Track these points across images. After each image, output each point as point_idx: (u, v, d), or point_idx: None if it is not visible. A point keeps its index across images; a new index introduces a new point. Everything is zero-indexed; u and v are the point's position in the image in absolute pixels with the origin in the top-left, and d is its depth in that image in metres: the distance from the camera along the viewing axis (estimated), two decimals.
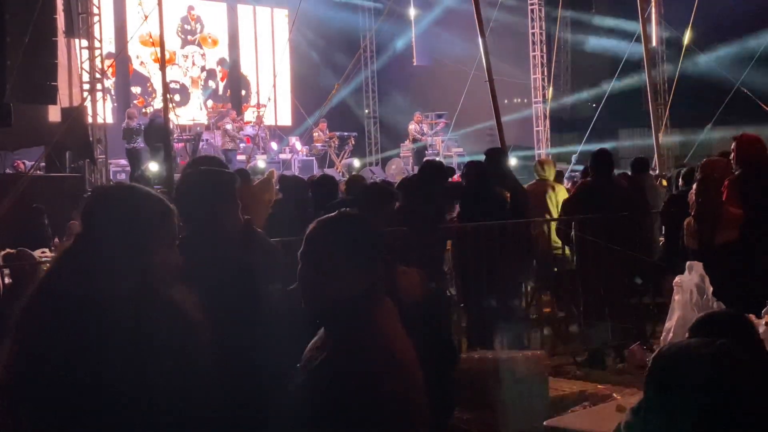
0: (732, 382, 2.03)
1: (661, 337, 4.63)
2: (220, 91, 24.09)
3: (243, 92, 24.70)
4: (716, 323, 2.61)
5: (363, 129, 25.94)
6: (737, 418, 2.01)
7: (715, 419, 2.01)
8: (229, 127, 19.95)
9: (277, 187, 8.61)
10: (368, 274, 2.49)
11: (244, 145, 20.45)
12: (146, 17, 13.90)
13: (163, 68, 13.78)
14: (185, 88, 23.15)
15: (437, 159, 15.86)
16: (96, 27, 16.39)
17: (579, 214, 7.91)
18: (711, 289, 4.59)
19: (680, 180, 8.83)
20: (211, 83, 23.91)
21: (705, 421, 2.01)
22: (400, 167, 21.63)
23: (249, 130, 21.24)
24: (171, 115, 15.35)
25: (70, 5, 15.77)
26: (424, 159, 21.02)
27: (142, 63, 22.09)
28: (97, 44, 16.34)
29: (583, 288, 8.00)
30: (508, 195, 7.92)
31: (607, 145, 15.66)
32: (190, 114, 22.11)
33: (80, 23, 16.20)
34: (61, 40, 15.01)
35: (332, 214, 2.56)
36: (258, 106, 23.48)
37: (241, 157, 19.41)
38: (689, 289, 4.65)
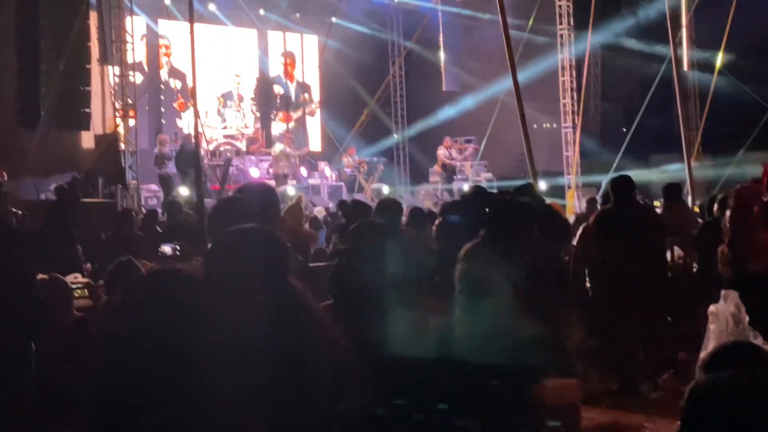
0: None
1: (697, 366, 4.56)
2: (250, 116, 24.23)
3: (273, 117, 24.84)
4: (734, 354, 2.56)
5: (392, 154, 25.99)
6: None
7: None
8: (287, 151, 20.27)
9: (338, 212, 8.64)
10: None
11: (273, 170, 20.56)
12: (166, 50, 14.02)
13: (194, 94, 13.90)
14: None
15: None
16: (129, 54, 16.60)
17: (599, 241, 7.84)
18: (747, 318, 4.52)
19: (714, 206, 8.74)
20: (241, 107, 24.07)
21: None
22: (429, 192, 21.63)
23: None
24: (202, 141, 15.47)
25: (104, 33, 15.99)
26: (453, 182, 21.11)
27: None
28: (129, 71, 16.55)
29: (616, 316, 7.92)
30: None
31: (637, 171, 15.61)
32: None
33: (113, 51, 16.42)
34: (94, 67, 15.22)
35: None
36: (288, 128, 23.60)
37: (271, 183, 19.53)
38: (725, 318, 4.59)
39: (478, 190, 8.18)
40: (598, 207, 12.94)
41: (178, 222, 10.55)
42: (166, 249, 8.75)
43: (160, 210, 14.34)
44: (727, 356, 2.49)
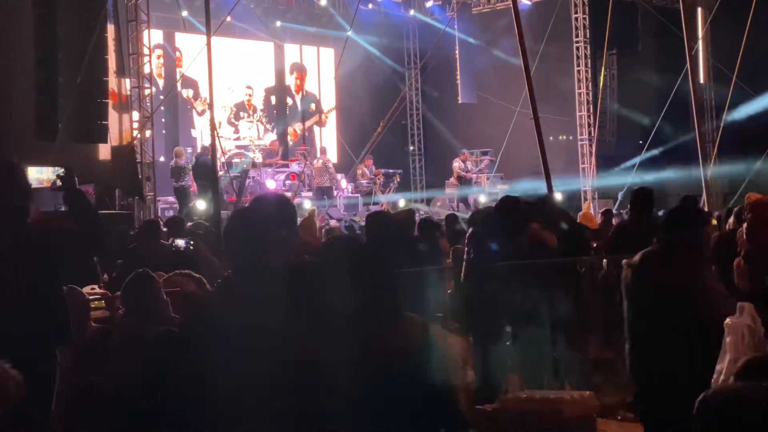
0: None
1: (712, 379, 4.53)
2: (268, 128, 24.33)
3: (290, 129, 24.93)
4: (763, 366, 2.55)
5: (408, 166, 26.03)
6: None
7: None
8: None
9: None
10: None
11: (289, 182, 20.62)
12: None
13: (211, 107, 13.98)
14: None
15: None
16: (146, 67, 16.71)
17: (617, 254, 7.81)
18: (763, 330, 4.49)
19: (731, 218, 8.69)
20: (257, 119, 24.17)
21: None
22: (445, 205, 21.64)
23: (295, 168, 21.42)
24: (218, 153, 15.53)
25: (121, 46, 16.10)
26: (470, 197, 21.12)
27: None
28: (146, 83, 16.65)
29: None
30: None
31: (653, 182, 15.56)
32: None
33: (131, 63, 16.53)
34: (111, 79, 15.32)
35: None
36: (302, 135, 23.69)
37: (287, 194, 19.58)
38: (741, 330, 4.55)
39: (509, 200, 8.17)
40: (614, 218, 12.96)
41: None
42: (180, 243, 8.81)
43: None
44: (757, 368, 2.49)
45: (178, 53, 21.81)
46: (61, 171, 4.41)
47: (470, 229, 7.86)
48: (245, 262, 3.48)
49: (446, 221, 10.80)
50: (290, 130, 24.29)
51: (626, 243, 7.71)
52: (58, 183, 4.38)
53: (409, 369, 3.11)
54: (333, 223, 16.37)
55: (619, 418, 7.15)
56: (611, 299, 8.27)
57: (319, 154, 21.49)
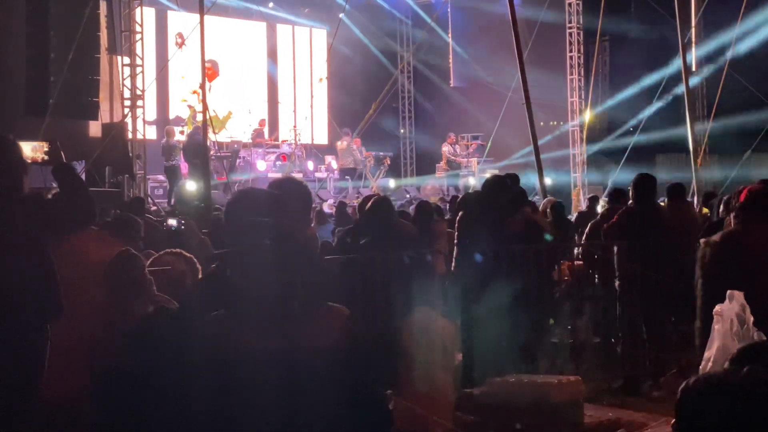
0: (762, 409, 2.00)
1: (701, 366, 4.56)
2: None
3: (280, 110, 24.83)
4: (757, 353, 2.57)
5: (398, 149, 26.00)
6: None
7: None
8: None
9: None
10: None
11: (280, 163, 20.58)
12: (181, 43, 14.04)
13: (203, 87, 13.94)
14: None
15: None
16: (138, 45, 16.62)
17: (621, 241, 7.83)
18: (752, 318, 4.51)
19: (721, 207, 8.72)
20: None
21: None
22: (435, 188, 21.65)
23: (285, 149, 21.39)
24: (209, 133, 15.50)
25: (113, 23, 16.02)
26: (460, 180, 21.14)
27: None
28: (138, 61, 16.57)
29: (621, 314, 7.94)
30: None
31: (643, 170, 15.58)
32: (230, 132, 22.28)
33: (123, 41, 16.45)
34: (103, 57, 15.25)
35: None
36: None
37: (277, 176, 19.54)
38: (729, 318, 4.57)
39: (498, 180, 8.15)
40: (600, 205, 13.00)
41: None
42: (172, 222, 8.83)
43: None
44: (750, 355, 2.50)
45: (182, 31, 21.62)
46: (47, 145, 4.42)
47: (460, 213, 7.86)
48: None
49: (417, 210, 10.06)
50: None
51: (635, 229, 7.73)
52: (45, 157, 4.39)
53: (325, 366, 2.79)
54: (326, 206, 16.32)
55: (605, 403, 7.20)
56: (603, 284, 8.35)
57: (343, 136, 21.50)
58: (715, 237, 5.30)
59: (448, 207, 10.67)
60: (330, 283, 3.37)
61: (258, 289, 2.81)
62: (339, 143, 21.30)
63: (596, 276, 8.62)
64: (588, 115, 21.88)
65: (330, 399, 2.77)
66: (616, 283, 7.90)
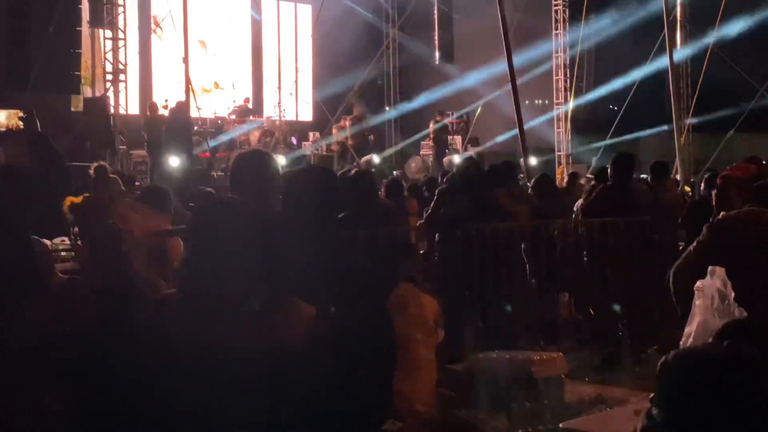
0: (742, 383, 1.99)
1: (681, 342, 4.57)
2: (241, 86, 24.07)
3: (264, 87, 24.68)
4: (741, 330, 2.56)
5: (383, 127, 25.89)
6: (747, 418, 1.97)
7: (726, 420, 1.98)
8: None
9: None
10: None
11: (267, 139, 20.46)
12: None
13: (186, 61, 13.84)
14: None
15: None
16: (120, 18, 16.46)
17: (599, 218, 7.89)
18: (733, 294, 4.52)
19: (702, 185, 8.76)
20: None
21: (715, 423, 1.98)
22: (419, 165, 21.60)
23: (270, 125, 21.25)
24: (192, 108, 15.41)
25: None
26: (444, 158, 21.10)
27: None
28: (121, 35, 16.42)
29: (601, 291, 7.97)
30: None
31: (627, 148, 15.61)
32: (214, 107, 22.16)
33: (105, 14, 16.29)
34: (85, 30, 15.12)
35: None
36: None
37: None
38: (710, 294, 4.58)
39: (471, 162, 8.21)
40: (581, 182, 13.07)
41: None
42: None
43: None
44: (733, 332, 2.50)
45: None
46: (21, 112, 4.34)
47: (444, 185, 7.92)
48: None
49: (387, 187, 9.92)
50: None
51: (612, 207, 7.80)
52: (20, 124, 4.31)
53: (293, 366, 2.52)
54: None
55: (587, 379, 7.23)
56: (580, 261, 8.38)
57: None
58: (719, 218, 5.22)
59: (425, 187, 10.55)
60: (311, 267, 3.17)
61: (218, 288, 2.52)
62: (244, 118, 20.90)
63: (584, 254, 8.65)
64: (572, 100, 21.88)
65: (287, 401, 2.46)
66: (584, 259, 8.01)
